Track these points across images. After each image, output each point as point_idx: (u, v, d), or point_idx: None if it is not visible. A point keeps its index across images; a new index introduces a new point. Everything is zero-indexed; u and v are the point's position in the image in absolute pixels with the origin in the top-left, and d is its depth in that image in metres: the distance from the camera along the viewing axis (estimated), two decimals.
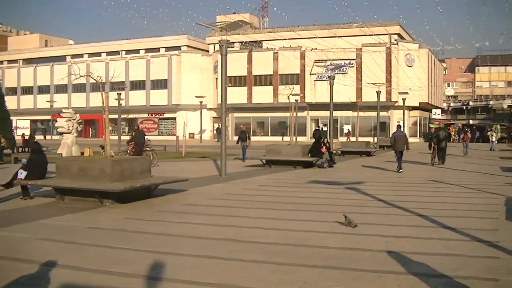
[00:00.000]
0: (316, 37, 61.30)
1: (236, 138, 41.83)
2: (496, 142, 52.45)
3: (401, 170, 27.02)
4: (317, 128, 42.29)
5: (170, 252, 9.45)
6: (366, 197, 17.08)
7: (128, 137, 30.54)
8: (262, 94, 79.38)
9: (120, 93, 46.85)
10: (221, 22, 65.01)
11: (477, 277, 7.98)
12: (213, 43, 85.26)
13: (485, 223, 12.37)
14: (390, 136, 28.69)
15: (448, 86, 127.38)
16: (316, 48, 67.89)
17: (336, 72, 64.66)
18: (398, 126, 30.78)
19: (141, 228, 11.85)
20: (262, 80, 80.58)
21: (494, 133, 54.76)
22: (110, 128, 18.99)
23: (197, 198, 16.81)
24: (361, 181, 21.98)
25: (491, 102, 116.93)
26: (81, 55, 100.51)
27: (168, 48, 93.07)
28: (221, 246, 10.02)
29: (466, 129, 57.24)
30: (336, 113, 48.01)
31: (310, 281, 7.74)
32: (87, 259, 9.05)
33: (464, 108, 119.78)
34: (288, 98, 34.80)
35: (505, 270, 8.33)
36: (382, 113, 61.86)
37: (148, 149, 30.88)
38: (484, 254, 9.38)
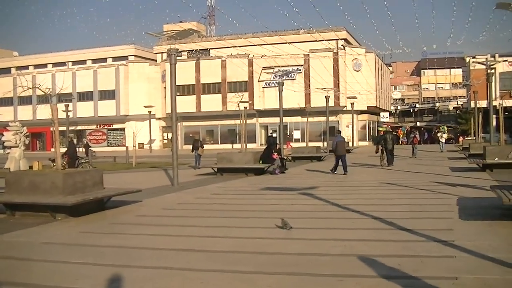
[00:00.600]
0: (264, 44, 61.42)
1: (186, 147, 41.88)
2: (444, 143, 53.16)
3: (344, 173, 27.96)
4: (270, 134, 42.28)
5: (127, 265, 9.26)
6: (320, 202, 17.11)
7: (64, 149, 30.31)
8: (211, 102, 79.23)
9: (68, 105, 46.31)
10: (169, 30, 64.68)
11: (436, 276, 8.02)
12: (160, 52, 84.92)
13: (440, 223, 12.48)
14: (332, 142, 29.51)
15: (395, 89, 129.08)
16: (264, 55, 68.15)
17: (284, 78, 64.97)
18: (338, 132, 32.20)
19: (96, 242, 11.63)
20: (210, 88, 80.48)
21: (444, 134, 55.52)
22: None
23: (151, 208, 16.59)
24: (314, 186, 22.02)
25: (437, 104, 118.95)
26: (26, 67, 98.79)
27: (115, 58, 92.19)
28: (178, 257, 9.88)
29: (415, 131, 57.97)
30: (286, 119, 48.06)
31: None
32: (42, 275, 8.82)
33: (411, 110, 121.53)
34: (238, 106, 34.78)
35: (463, 268, 8.39)
36: (331, 118, 62.28)
37: (83, 161, 30.73)
38: (442, 253, 9.45)
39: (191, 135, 77.28)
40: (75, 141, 32.15)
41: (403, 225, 12.18)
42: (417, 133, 53.93)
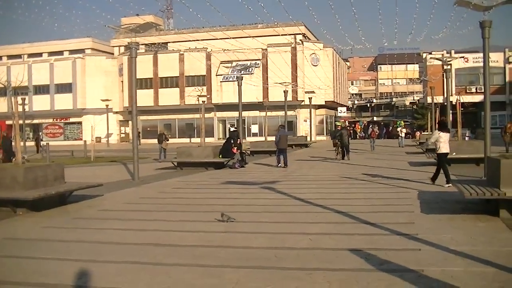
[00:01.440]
0: (222, 38, 61.25)
1: (144, 141, 41.84)
2: (403, 138, 53.56)
3: (284, 166, 29.50)
4: (234, 129, 42.32)
5: (93, 260, 9.22)
6: (282, 196, 17.20)
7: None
8: (169, 96, 78.83)
9: (24, 98, 45.61)
10: (127, 24, 64.41)
11: (403, 269, 8.17)
12: (118, 46, 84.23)
13: (402, 217, 12.67)
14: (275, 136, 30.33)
15: (352, 84, 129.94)
16: (222, 49, 68.02)
17: (243, 72, 64.92)
18: (282, 126, 33.72)
19: (60, 237, 11.55)
20: (168, 82, 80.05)
21: (404, 129, 55.96)
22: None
23: (113, 203, 16.51)
24: (275, 180, 22.12)
25: (394, 99, 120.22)
26: None
27: (72, 51, 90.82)
28: (144, 251, 9.87)
29: (374, 126, 58.59)
30: (244, 113, 48.05)
31: (241, 282, 7.73)
32: (8, 271, 8.75)
33: (368, 105, 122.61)
34: (198, 99, 34.76)
35: (428, 260, 8.55)
36: (289, 112, 62.58)
37: (24, 156, 30.45)
38: (406, 247, 9.61)
39: (148, 129, 76.86)
40: (32, 134, 31.63)
41: (366, 219, 12.33)
42: (376, 127, 54.60)
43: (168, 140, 38.81)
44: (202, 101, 34.70)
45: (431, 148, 33.95)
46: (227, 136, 40.68)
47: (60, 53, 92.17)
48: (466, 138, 42.08)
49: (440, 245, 9.55)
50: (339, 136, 35.11)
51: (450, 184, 17.68)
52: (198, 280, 7.93)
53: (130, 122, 77.40)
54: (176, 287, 7.62)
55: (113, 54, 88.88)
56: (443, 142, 19.15)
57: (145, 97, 76.33)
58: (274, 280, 7.79)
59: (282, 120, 59.89)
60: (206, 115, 63.21)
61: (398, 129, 57.90)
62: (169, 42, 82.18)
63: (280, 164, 29.92)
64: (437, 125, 31.49)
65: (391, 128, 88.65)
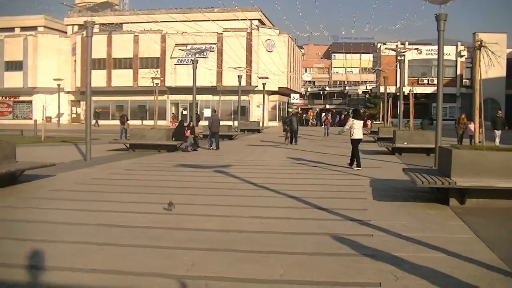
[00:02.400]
0: (178, 21, 61.07)
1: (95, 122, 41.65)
2: None
3: (216, 148, 31.33)
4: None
5: (47, 240, 9.14)
6: (235, 180, 17.28)
7: None
8: (122, 78, 77.92)
9: None
10: (82, 2, 63.47)
11: (355, 254, 8.32)
12: (71, 24, 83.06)
13: (355, 203, 12.87)
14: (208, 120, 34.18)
15: (306, 71, 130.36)
16: (178, 32, 67.60)
17: (197, 56, 64.62)
18: (214, 111, 36.41)
19: (12, 216, 11.42)
20: (122, 63, 79.06)
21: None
22: None
23: (65, 183, 16.34)
24: (228, 164, 22.19)
25: (347, 88, 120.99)
26: None
27: (23, 28, 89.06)
28: (98, 232, 9.84)
29: (328, 113, 59.12)
30: (197, 97, 47.87)
31: (196, 263, 7.77)
32: None
33: (321, 93, 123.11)
34: (152, 81, 34.51)
35: (380, 246, 8.71)
36: (242, 97, 62.60)
37: None
38: (359, 232, 9.77)
39: (99, 110, 75.93)
40: None
41: (319, 204, 12.49)
42: (330, 115, 55.12)
43: (128, 120, 39.25)
44: (156, 84, 34.46)
45: (382, 137, 34.55)
46: (180, 119, 40.65)
47: (11, 29, 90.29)
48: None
49: (392, 231, 9.75)
50: (288, 122, 36.73)
51: (360, 168, 20.31)
52: (154, 261, 7.94)
53: (82, 103, 76.77)
54: (131, 267, 7.61)
55: (66, 32, 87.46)
56: (356, 128, 20.94)
57: (97, 78, 74.99)
58: (229, 262, 7.84)
59: (235, 105, 60.02)
60: (159, 98, 62.80)
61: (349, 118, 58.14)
62: (124, 23, 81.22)
63: (212, 147, 31.56)
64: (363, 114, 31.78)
65: (343, 116, 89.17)
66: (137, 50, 77.94)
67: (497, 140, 32.73)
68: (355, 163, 21.01)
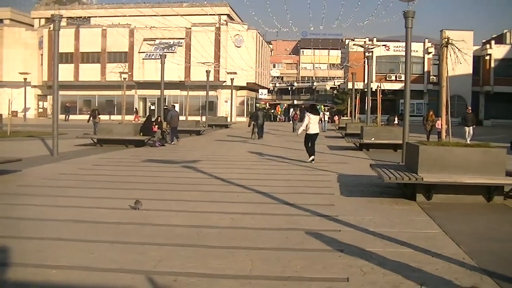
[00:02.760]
0: (146, 15, 60.79)
1: (62, 116, 41.73)
2: (327, 122, 53.82)
3: (171, 142, 31.69)
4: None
5: (13, 236, 9.02)
6: (204, 176, 17.28)
7: None
8: (90, 72, 77.43)
9: None
10: None
11: (323, 249, 8.36)
12: (38, 18, 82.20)
13: (322, 199, 12.94)
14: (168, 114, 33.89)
15: (274, 67, 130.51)
16: (147, 26, 67.30)
17: (165, 51, 64.32)
18: (173, 106, 37.24)
19: None
20: (89, 58, 78.58)
21: (326, 114, 56.35)
22: None
23: (32, 179, 16.18)
24: (196, 159, 22.14)
25: (315, 84, 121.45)
26: None
27: None
28: (66, 228, 9.74)
29: (297, 109, 59.45)
30: (165, 92, 47.65)
31: (165, 259, 7.75)
32: None
33: (289, 88, 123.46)
34: (121, 76, 34.33)
35: (347, 241, 8.76)
36: (210, 93, 62.48)
37: None
38: (326, 228, 9.80)
39: (67, 104, 75.22)
40: None
41: (286, 200, 12.53)
42: (298, 110, 55.43)
43: (99, 115, 39.89)
44: (124, 78, 34.30)
45: (350, 133, 34.74)
46: (148, 114, 40.54)
47: None
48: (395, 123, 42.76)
49: (360, 227, 9.81)
50: (255, 117, 38.27)
51: (313, 161, 21.33)
52: (121, 256, 7.89)
53: (49, 97, 75.98)
54: (99, 263, 7.56)
55: (33, 26, 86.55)
56: (312, 123, 21.59)
57: (65, 72, 74.34)
58: (197, 258, 7.83)
59: (204, 100, 59.95)
60: (127, 93, 62.54)
61: (321, 114, 58.13)
62: (92, 17, 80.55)
63: (173, 142, 32.13)
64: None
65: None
66: (105, 45, 77.54)
67: (467, 136, 33.15)
68: (313, 156, 21.74)
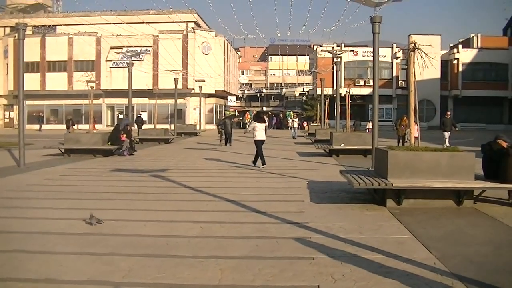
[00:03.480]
0: (113, 23, 60.49)
1: (29, 126, 41.61)
2: (297, 128, 53.42)
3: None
4: (139, 115, 42.31)
5: None
6: (172, 184, 17.20)
7: None
8: (56, 81, 76.74)
9: None
10: (13, 4, 62.29)
11: (293, 257, 8.35)
12: (2, 26, 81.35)
13: (292, 206, 12.94)
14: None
15: (243, 74, 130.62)
16: (114, 34, 66.98)
17: (133, 59, 64.11)
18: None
19: None
20: (56, 66, 77.89)
21: (295, 120, 56.05)
22: None
23: None
24: (165, 168, 22.04)
25: (284, 90, 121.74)
26: None
27: None
28: (32, 240, 9.60)
29: (265, 115, 59.69)
30: (133, 101, 47.48)
31: (134, 269, 7.68)
32: None
33: (258, 95, 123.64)
34: (87, 85, 34.12)
35: (318, 248, 8.77)
36: (179, 100, 62.27)
37: None
38: (296, 235, 9.80)
39: (34, 114, 74.52)
40: None
41: (256, 208, 12.52)
42: (267, 116, 55.74)
43: (74, 125, 40.06)
44: (91, 87, 34.10)
45: (319, 139, 34.85)
46: (116, 123, 40.35)
47: None
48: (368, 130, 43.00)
49: (330, 233, 9.82)
50: (222, 125, 39.12)
51: (265, 165, 22.44)
52: (89, 268, 7.81)
53: (15, 107, 75.22)
54: (67, 275, 7.47)
55: None
56: (258, 130, 22.98)
57: (31, 81, 73.91)
58: (166, 268, 7.78)
59: (172, 108, 59.77)
60: (95, 101, 62.17)
61: (289, 120, 57.98)
62: (58, 25, 79.97)
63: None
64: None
65: (280, 118, 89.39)
66: (71, 53, 76.94)
67: (447, 141, 33.30)
68: (259, 161, 22.93)
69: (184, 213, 12.25)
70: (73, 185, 17.46)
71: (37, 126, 69.02)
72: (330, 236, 9.62)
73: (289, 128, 63.00)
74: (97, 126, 61.45)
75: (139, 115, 55.27)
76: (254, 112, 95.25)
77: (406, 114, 31.35)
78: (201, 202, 13.73)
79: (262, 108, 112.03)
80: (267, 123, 25.12)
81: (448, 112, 37.57)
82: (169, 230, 10.34)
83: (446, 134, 34.04)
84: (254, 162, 23.24)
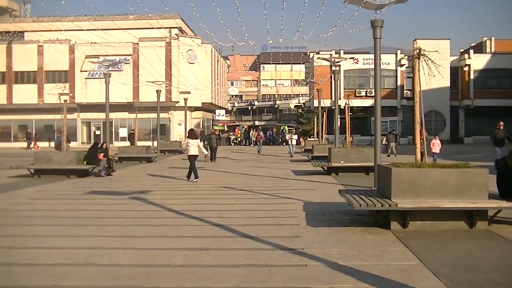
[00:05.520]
0: (88, 29, 60.35)
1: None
2: (295, 145, 52.06)
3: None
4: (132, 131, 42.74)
5: None
6: (154, 208, 17.14)
7: None
8: (25, 93, 76.50)
9: None
10: None
11: (287, 286, 8.33)
12: None
13: (287, 230, 12.90)
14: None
15: (232, 85, 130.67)
16: (89, 42, 66.96)
17: (110, 69, 64.14)
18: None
19: None
20: (24, 77, 77.70)
21: (294, 135, 54.95)
22: None
23: None
24: (146, 190, 22.02)
25: (277, 102, 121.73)
26: None
27: None
28: None
29: (259, 129, 60.45)
30: (111, 115, 47.52)
31: None
32: None
33: (250, 108, 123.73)
34: (60, 98, 34.05)
35: (314, 277, 8.74)
36: (162, 115, 62.18)
37: None
38: (291, 262, 9.77)
39: (28, 130, 74.51)
40: None
41: (246, 233, 12.48)
42: (261, 130, 57.17)
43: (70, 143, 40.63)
44: (64, 100, 34.00)
45: (317, 156, 34.85)
46: (93, 140, 40.33)
47: None
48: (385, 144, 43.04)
49: (328, 260, 9.79)
50: (208, 140, 42.94)
51: (198, 179, 26.09)
52: None
53: None
54: None
55: None
56: (191, 146, 26.72)
57: None
58: None
59: (155, 123, 59.69)
60: (69, 116, 62.10)
61: (288, 135, 57.08)
62: (26, 31, 79.84)
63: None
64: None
65: (274, 133, 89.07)
66: (42, 63, 76.80)
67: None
68: (192, 175, 26.43)
69: (167, 239, 12.20)
70: (43, 210, 17.37)
71: (25, 144, 69.23)
72: (328, 264, 9.59)
73: (286, 143, 64.14)
74: (72, 144, 61.30)
75: (132, 131, 55.28)
76: (245, 127, 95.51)
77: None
78: (185, 226, 13.68)
79: (254, 122, 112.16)
80: (199, 139, 28.67)
81: (501, 123, 32.76)
82: (150, 259, 10.29)
83: (499, 150, 30.56)
84: (188, 176, 26.70)
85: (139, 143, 50.25)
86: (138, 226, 13.96)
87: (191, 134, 28.07)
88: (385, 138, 44.06)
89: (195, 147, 26.85)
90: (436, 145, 32.76)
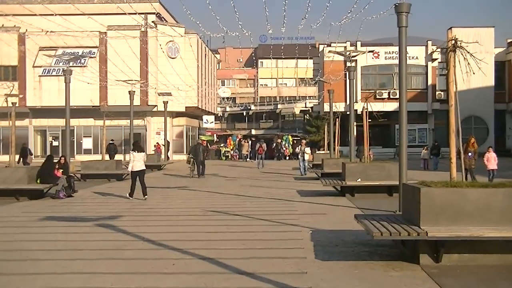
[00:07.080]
0: (43, 14, 60.38)
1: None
2: (307, 160, 50.21)
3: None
4: (111, 141, 42.83)
5: None
6: (126, 237, 17.12)
7: None
8: None
9: None
10: None
11: None
12: None
13: (291, 265, 12.89)
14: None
15: (224, 85, 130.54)
16: (43, 30, 66.81)
17: (72, 64, 64.03)
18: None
19: None
20: None
21: (307, 149, 53.17)
22: None
23: None
24: (116, 215, 22.01)
25: (279, 106, 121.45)
26: None
27: None
28: None
29: (261, 140, 60.47)
30: (73, 122, 47.45)
31: None
32: None
33: (245, 114, 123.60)
34: (6, 101, 34.01)
35: None
36: (136, 121, 62.03)
37: None
38: None
39: (24, 144, 74.43)
40: None
41: (241, 268, 12.47)
42: (263, 142, 57.48)
43: (32, 154, 42.06)
44: (13, 103, 33.97)
45: (328, 173, 34.81)
46: (48, 153, 40.33)
47: None
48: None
49: None
50: (193, 152, 44.56)
51: (131, 198, 27.81)
52: None
53: None
54: None
55: None
56: (136, 161, 28.19)
57: None
58: None
59: (127, 132, 59.58)
60: (18, 123, 61.93)
61: (299, 148, 54.44)
62: None
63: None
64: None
65: (274, 144, 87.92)
66: None
67: None
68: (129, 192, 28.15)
69: (140, 276, 12.19)
70: None
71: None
72: None
73: (285, 158, 64.66)
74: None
75: (111, 142, 55.53)
76: (240, 136, 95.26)
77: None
78: (164, 260, 13.67)
79: (250, 131, 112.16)
80: (144, 153, 31.25)
81: None
82: None
83: None
84: (131, 194, 28.11)
85: (106, 157, 49.94)
86: (105, 260, 13.92)
87: (136, 147, 29.39)
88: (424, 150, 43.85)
89: (140, 161, 28.40)
90: (492, 160, 32.05)
